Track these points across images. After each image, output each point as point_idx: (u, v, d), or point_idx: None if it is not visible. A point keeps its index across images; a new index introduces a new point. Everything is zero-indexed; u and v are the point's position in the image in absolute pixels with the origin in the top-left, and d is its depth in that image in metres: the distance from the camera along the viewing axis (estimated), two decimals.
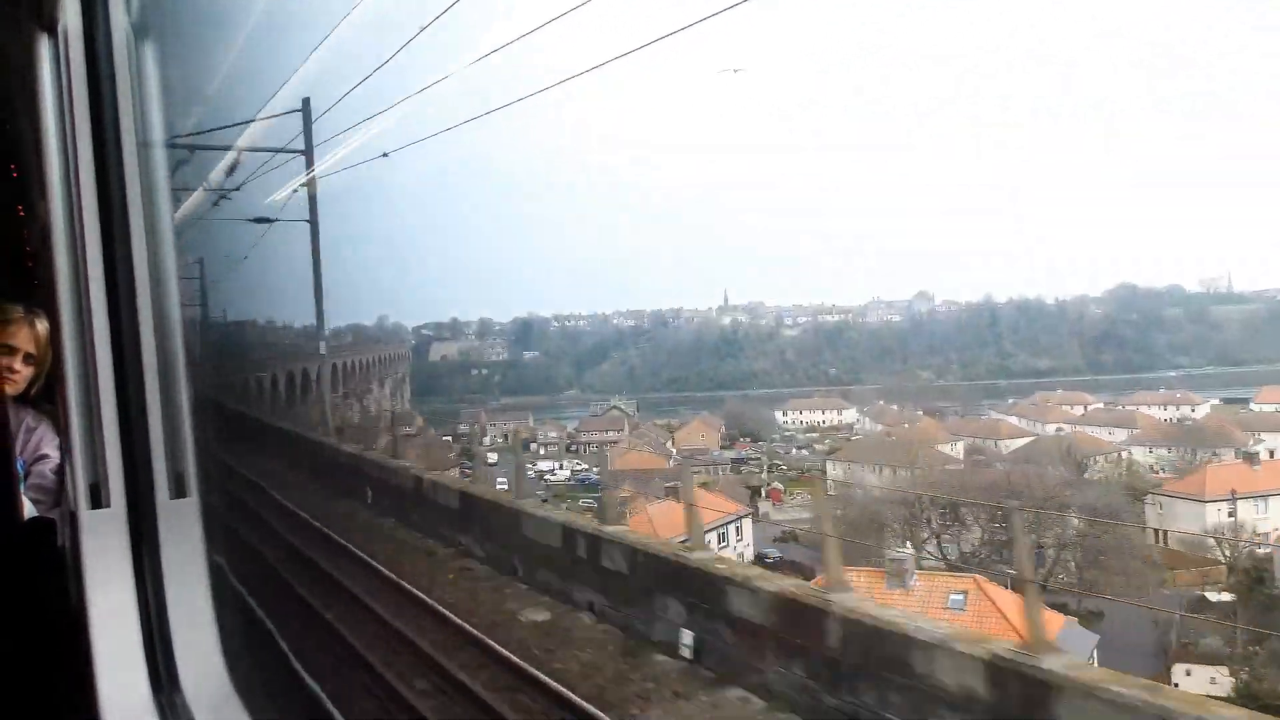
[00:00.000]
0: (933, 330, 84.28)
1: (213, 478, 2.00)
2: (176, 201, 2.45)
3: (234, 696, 1.92)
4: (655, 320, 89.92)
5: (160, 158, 1.92)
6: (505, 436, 63.22)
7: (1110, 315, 79.23)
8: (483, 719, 6.88)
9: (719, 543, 33.35)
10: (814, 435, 67.18)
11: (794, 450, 63.05)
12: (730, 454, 59.50)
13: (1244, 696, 20.99)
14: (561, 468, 56.01)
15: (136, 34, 1.91)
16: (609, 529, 9.38)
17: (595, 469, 53.74)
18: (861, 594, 7.42)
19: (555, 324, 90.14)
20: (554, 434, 65.09)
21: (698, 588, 7.67)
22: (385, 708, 7.01)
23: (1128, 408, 59.67)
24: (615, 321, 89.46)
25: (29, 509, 2.21)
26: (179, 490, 1.92)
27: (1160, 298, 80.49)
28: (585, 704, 6.72)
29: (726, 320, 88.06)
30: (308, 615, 8.69)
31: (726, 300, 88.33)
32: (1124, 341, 77.88)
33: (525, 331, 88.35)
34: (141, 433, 1.90)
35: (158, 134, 1.92)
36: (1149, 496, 40.59)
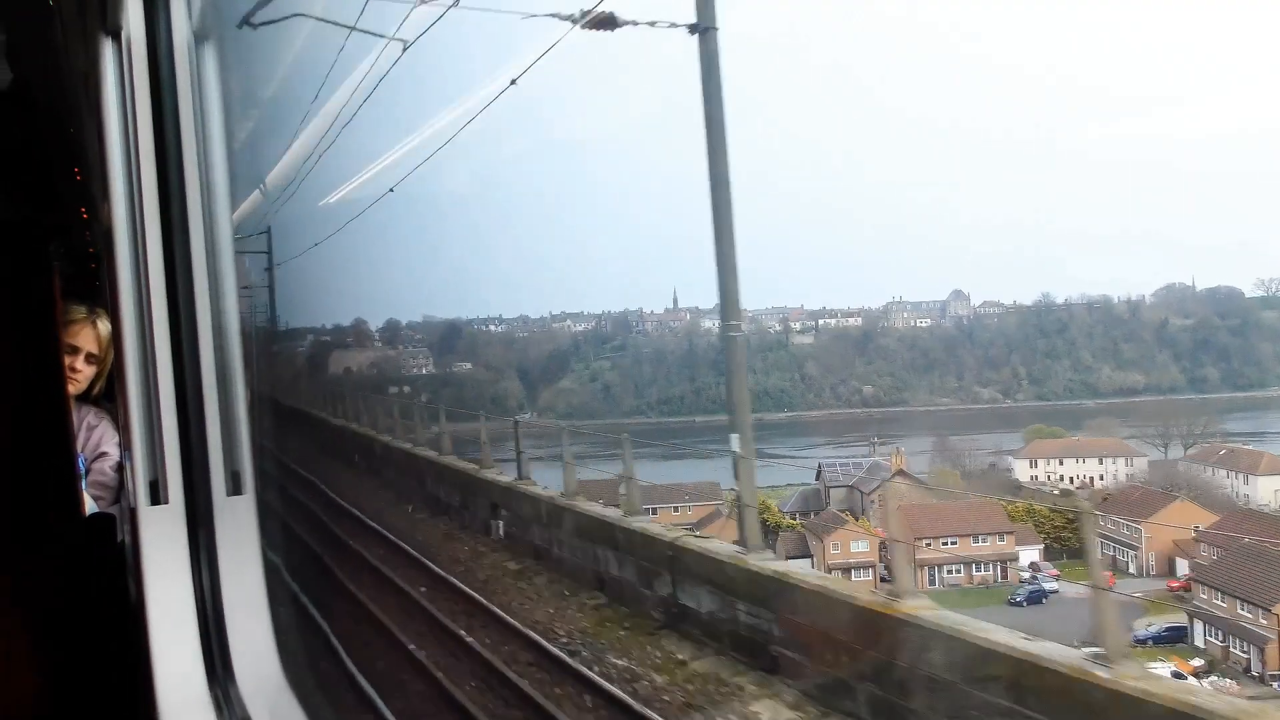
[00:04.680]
0: (987, 338, 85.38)
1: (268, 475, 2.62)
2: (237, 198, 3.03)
3: (286, 687, 2.52)
4: (619, 325, 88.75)
5: (220, 159, 2.51)
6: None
7: (1205, 320, 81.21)
8: None
9: None
10: None
11: None
12: None
13: None
14: None
15: (197, 39, 2.51)
16: None
17: None
18: None
19: (478, 328, 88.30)
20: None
21: None
22: None
23: None
24: (555, 326, 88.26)
25: (90, 505, 2.80)
26: (235, 488, 2.51)
27: (1220, 300, 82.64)
28: None
29: (709, 324, 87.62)
30: None
31: (676, 302, 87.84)
32: (1225, 350, 79.81)
33: (452, 338, 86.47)
34: (199, 431, 2.49)
35: (218, 136, 2.52)
36: None
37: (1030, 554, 39.72)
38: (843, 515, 42.76)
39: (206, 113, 2.52)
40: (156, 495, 2.45)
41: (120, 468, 2.91)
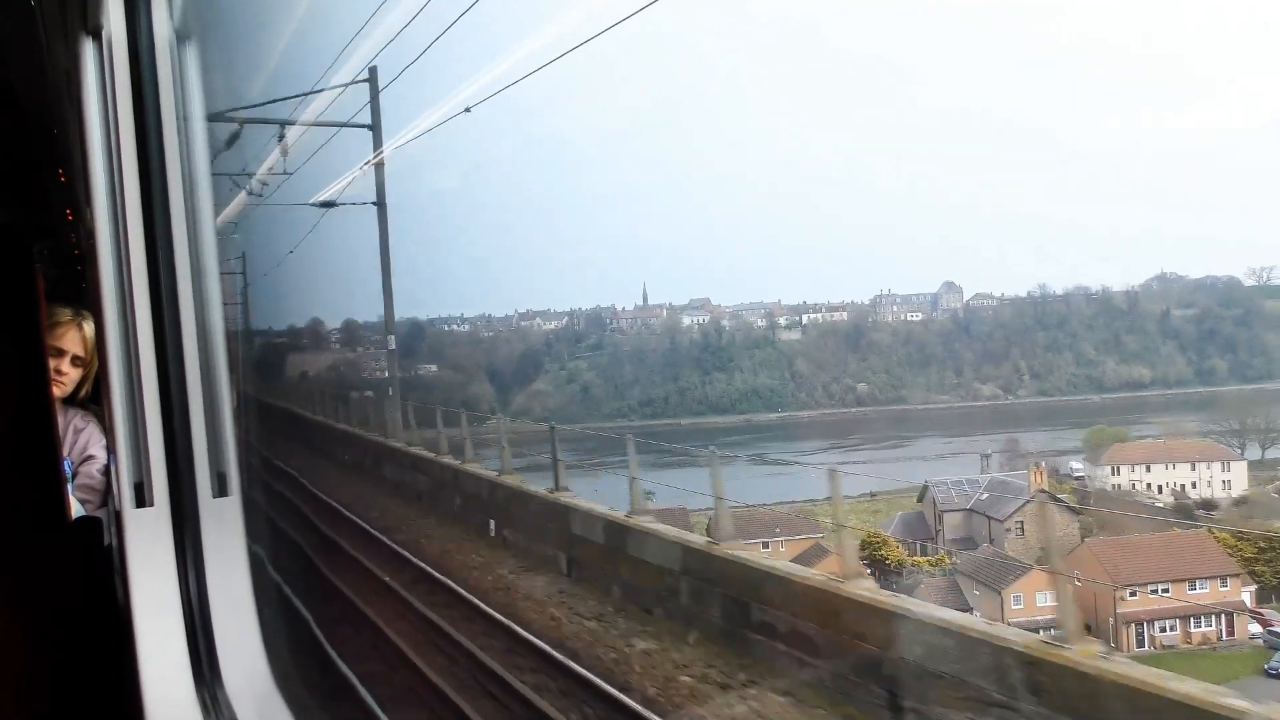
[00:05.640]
0: (984, 331, 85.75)
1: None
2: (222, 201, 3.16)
3: (275, 690, 2.65)
4: (593, 322, 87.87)
5: (202, 160, 2.64)
6: None
7: (1208, 310, 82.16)
8: None
9: None
10: None
11: None
12: None
13: None
14: None
15: (179, 39, 2.63)
16: None
17: None
18: None
19: (441, 327, 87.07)
20: None
21: None
22: None
23: None
24: (523, 324, 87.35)
25: (76, 508, 2.92)
26: (221, 489, 2.64)
27: (1218, 290, 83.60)
28: None
29: (688, 321, 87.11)
30: None
31: (646, 299, 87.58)
32: (1231, 342, 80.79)
33: (415, 339, 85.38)
34: (184, 433, 2.61)
35: (200, 137, 2.65)
36: None
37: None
38: (1015, 558, 32.95)
39: (189, 112, 2.65)
40: (142, 497, 2.57)
41: (107, 471, 3.03)
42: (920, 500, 41.21)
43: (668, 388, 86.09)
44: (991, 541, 35.47)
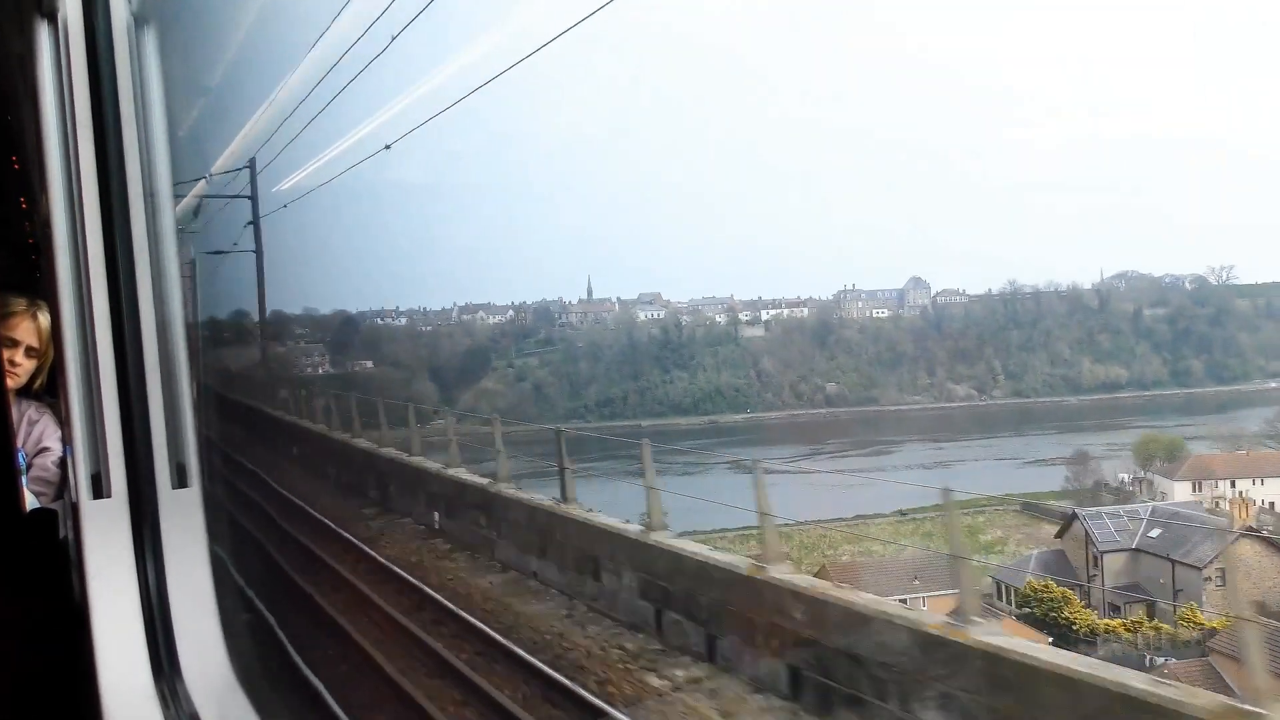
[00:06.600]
0: (955, 329, 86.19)
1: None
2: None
3: (235, 684, 2.73)
4: (541, 316, 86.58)
5: (161, 148, 2.71)
6: None
7: (1183, 309, 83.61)
8: None
9: None
10: None
11: None
12: None
13: None
14: None
15: (137, 23, 2.69)
16: None
17: None
18: None
19: (375, 321, 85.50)
20: None
21: None
22: None
23: None
24: (464, 318, 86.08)
25: (31, 501, 2.98)
26: (180, 480, 2.71)
27: (1175, 289, 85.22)
28: None
29: (644, 316, 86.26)
30: None
31: (590, 293, 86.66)
32: (1207, 342, 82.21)
33: (349, 332, 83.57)
34: (143, 423, 2.68)
35: (159, 124, 2.71)
36: None
37: None
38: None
39: (147, 99, 2.71)
40: (99, 488, 2.62)
41: (62, 463, 3.10)
42: (1060, 535, 34.59)
43: (626, 386, 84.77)
44: (1178, 593, 28.32)
